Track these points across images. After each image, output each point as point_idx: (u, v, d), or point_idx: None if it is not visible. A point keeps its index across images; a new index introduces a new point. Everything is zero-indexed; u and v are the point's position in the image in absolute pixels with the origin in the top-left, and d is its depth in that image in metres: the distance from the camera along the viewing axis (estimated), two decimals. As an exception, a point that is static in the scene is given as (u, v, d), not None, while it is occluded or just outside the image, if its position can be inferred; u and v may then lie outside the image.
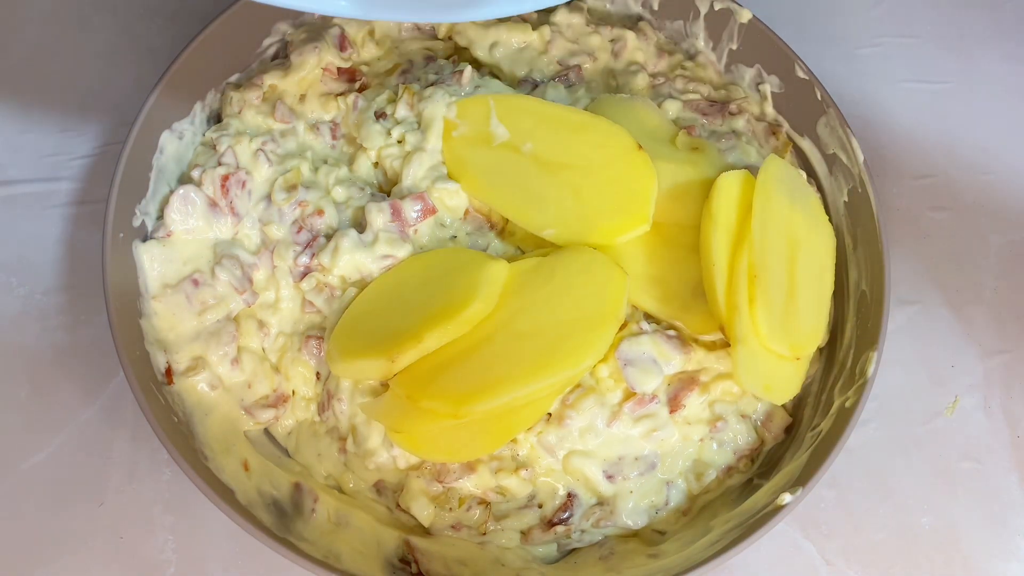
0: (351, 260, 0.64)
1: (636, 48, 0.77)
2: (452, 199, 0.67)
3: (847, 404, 0.62)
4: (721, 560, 0.57)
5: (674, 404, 0.63)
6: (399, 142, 0.68)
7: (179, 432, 0.60)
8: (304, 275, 0.66)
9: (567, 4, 0.76)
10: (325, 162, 0.71)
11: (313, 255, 0.66)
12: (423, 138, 0.67)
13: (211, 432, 0.63)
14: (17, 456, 0.67)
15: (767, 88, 0.75)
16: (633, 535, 0.64)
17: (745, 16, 0.74)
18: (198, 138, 0.71)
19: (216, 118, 0.73)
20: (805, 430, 0.65)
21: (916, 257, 0.77)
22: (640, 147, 0.65)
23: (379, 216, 0.65)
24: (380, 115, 0.69)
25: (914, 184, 0.80)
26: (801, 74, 0.73)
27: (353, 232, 0.65)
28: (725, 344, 0.63)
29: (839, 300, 0.69)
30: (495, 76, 0.75)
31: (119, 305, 0.62)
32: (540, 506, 0.63)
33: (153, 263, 0.65)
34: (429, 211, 0.66)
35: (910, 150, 0.82)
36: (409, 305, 0.62)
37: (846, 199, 0.71)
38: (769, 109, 0.76)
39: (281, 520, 0.60)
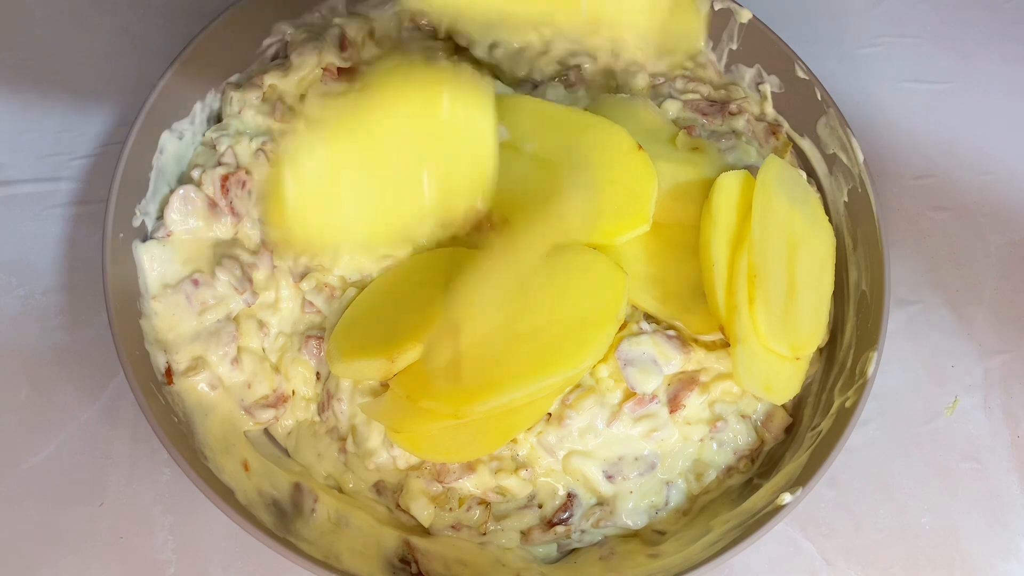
0: (351, 260, 0.64)
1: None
2: (452, 199, 0.67)
3: (847, 404, 0.62)
4: (721, 560, 0.57)
5: (674, 404, 0.63)
6: (399, 142, 0.68)
7: (179, 432, 0.60)
8: (304, 275, 0.66)
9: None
10: (325, 162, 0.71)
11: (313, 255, 0.66)
12: (423, 138, 0.67)
13: (211, 432, 0.63)
14: (17, 456, 0.67)
15: (767, 88, 0.75)
16: (633, 535, 0.63)
17: (745, 16, 0.74)
18: (198, 138, 0.71)
19: (216, 118, 0.73)
20: (805, 430, 0.65)
21: (916, 257, 0.77)
22: (640, 147, 0.64)
23: (379, 216, 0.65)
24: (380, 115, 0.69)
25: (914, 184, 0.80)
26: (801, 74, 0.73)
27: (353, 232, 0.65)
28: (725, 344, 0.63)
29: (839, 300, 0.69)
30: (495, 76, 0.75)
31: (119, 305, 0.62)
32: (540, 506, 0.63)
33: (153, 263, 0.65)
34: (429, 211, 0.66)
35: (910, 150, 0.82)
36: (409, 305, 0.62)
37: (846, 199, 0.71)
38: (769, 109, 0.76)
39: (281, 520, 0.60)
